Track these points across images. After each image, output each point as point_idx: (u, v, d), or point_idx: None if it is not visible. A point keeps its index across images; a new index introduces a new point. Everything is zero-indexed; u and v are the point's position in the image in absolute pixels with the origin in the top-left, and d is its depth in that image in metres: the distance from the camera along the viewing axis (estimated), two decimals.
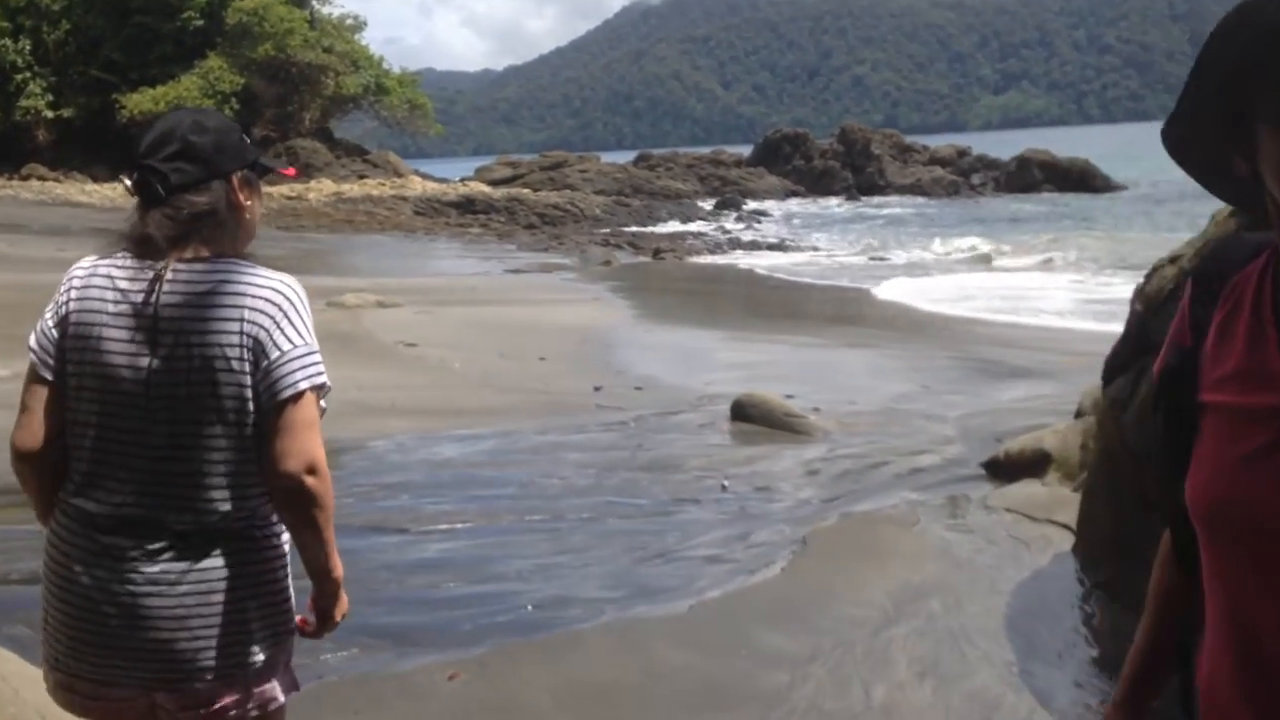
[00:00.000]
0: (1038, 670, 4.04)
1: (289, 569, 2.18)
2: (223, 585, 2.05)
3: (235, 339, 2.02)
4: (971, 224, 35.49)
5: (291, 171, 2.54)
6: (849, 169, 53.64)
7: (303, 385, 2.03)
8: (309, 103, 49.11)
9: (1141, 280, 4.79)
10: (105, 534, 2.05)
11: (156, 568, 2.03)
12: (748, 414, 8.39)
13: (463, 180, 48.13)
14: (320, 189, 41.01)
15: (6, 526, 5.26)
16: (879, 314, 16.77)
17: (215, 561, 2.05)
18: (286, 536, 2.15)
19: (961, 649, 4.22)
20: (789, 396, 8.85)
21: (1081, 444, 6.36)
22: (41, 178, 43.79)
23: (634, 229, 35.15)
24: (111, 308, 2.05)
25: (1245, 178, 1.24)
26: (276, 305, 2.06)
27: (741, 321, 15.90)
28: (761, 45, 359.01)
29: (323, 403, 2.14)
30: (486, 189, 43.06)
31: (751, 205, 45.53)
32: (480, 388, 9.86)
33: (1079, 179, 49.26)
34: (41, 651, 2.18)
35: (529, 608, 4.85)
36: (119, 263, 2.10)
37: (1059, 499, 5.92)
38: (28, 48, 45.59)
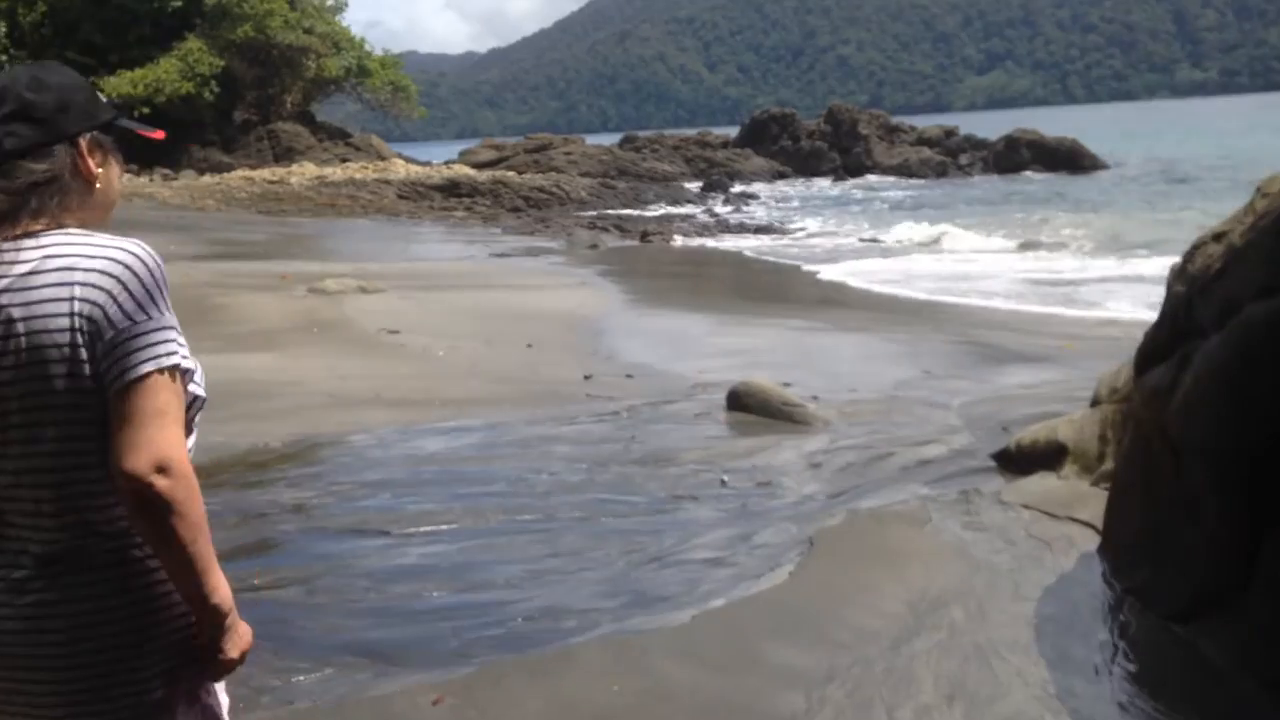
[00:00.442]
0: (1078, 688, 3.68)
1: None
2: (103, 617, 1.73)
3: (65, 321, 1.68)
4: (959, 205, 35.16)
5: (159, 134, 2.14)
6: (836, 150, 53.23)
7: (147, 368, 1.69)
8: (290, 85, 48.36)
9: (1179, 260, 4.43)
10: None
11: (27, 599, 1.71)
12: (744, 404, 8.05)
13: (447, 163, 47.51)
14: (302, 172, 40.37)
15: None
16: (874, 298, 16.44)
17: (91, 590, 1.72)
18: None
19: (991, 665, 3.87)
20: (786, 384, 8.53)
21: (1100, 434, 6.05)
22: None
23: (621, 212, 34.72)
24: None
25: None
26: (113, 276, 1.71)
27: (732, 305, 15.54)
28: (746, 25, 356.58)
29: (199, 390, 1.80)
30: (471, 172, 42.45)
31: (739, 187, 45.07)
32: (466, 377, 9.50)
33: (1067, 158, 48.97)
34: None
35: (519, 619, 4.51)
36: None
37: (1079, 494, 5.59)
38: (3, 30, 44.57)
